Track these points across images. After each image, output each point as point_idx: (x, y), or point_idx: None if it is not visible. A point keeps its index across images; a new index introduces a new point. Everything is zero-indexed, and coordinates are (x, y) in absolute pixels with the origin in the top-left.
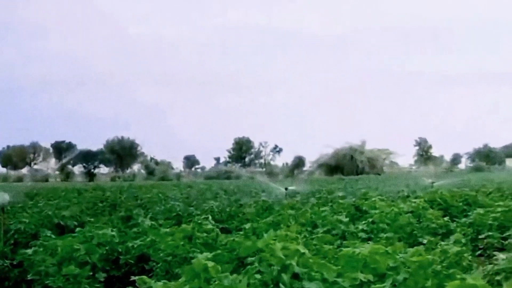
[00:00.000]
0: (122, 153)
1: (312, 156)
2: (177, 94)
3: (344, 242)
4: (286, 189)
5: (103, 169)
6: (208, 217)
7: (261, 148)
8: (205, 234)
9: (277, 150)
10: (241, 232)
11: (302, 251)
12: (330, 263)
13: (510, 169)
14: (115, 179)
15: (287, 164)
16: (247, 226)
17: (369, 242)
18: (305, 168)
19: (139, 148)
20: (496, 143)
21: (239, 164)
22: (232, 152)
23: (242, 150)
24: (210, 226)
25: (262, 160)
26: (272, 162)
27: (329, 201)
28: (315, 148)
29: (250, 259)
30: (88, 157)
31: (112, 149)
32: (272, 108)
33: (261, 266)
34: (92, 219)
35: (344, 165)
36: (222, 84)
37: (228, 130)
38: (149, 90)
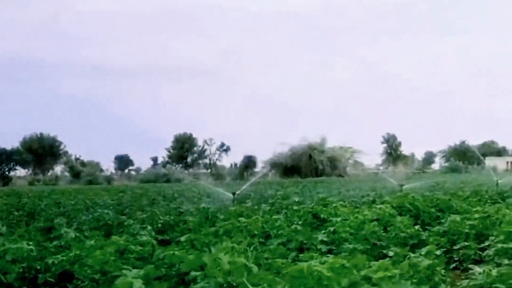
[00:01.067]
0: (41, 152)
1: (264, 155)
2: (108, 85)
3: (300, 255)
4: (234, 194)
5: (20, 172)
6: (145, 227)
7: (206, 147)
8: (139, 248)
9: (224, 148)
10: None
11: (251, 266)
12: (282, 280)
13: (490, 170)
14: (34, 183)
15: (235, 164)
16: (183, 238)
17: (329, 255)
18: (256, 169)
19: (62, 146)
20: (474, 140)
21: (180, 165)
22: (171, 151)
23: (183, 149)
24: (145, 238)
25: (207, 160)
26: (218, 163)
27: (284, 207)
28: (268, 146)
29: (192, 275)
30: (1, 158)
31: (29, 147)
32: (218, 101)
33: (205, 283)
34: (5, 231)
35: (302, 165)
36: (161, 75)
37: (167, 126)
38: (74, 81)
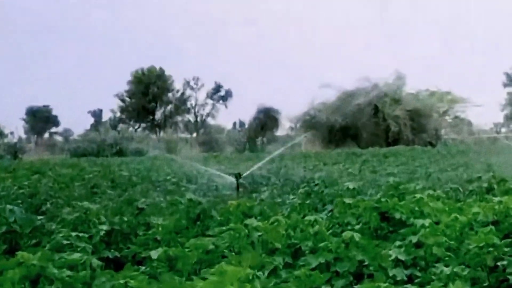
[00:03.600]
0: None
1: (293, 108)
2: None
3: (357, 287)
4: (238, 176)
5: None
6: (78, 236)
7: (189, 92)
8: (67, 273)
9: (221, 94)
10: (143, 267)
11: None
12: None
13: None
14: None
15: (242, 124)
16: (154, 253)
17: (409, 286)
18: (279, 132)
19: None
20: None
21: (143, 125)
22: (127, 100)
23: (148, 96)
24: (77, 256)
25: (190, 116)
26: (211, 121)
27: (328, 200)
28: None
29: None
30: None
31: None
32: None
33: None
34: None
35: (361, 126)
36: None
37: (121, 55)
38: None
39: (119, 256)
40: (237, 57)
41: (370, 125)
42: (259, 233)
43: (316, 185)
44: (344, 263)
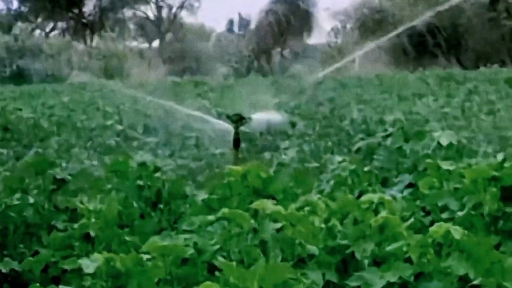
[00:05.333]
0: None
1: None
2: None
3: None
4: (237, 121)
5: None
6: None
7: None
8: None
9: None
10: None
11: None
12: None
13: None
14: None
15: (243, 25)
16: (88, 265)
17: None
18: (312, 40)
19: None
20: None
21: (62, 25)
22: None
23: None
24: None
25: (148, 10)
26: (187, 18)
27: (405, 166)
28: None
29: None
30: None
31: None
32: None
33: None
34: None
35: (466, 27)
36: None
37: None
38: None
39: (18, 270)
40: None
41: (481, 26)
42: (278, 226)
43: (385, 136)
44: (436, 284)
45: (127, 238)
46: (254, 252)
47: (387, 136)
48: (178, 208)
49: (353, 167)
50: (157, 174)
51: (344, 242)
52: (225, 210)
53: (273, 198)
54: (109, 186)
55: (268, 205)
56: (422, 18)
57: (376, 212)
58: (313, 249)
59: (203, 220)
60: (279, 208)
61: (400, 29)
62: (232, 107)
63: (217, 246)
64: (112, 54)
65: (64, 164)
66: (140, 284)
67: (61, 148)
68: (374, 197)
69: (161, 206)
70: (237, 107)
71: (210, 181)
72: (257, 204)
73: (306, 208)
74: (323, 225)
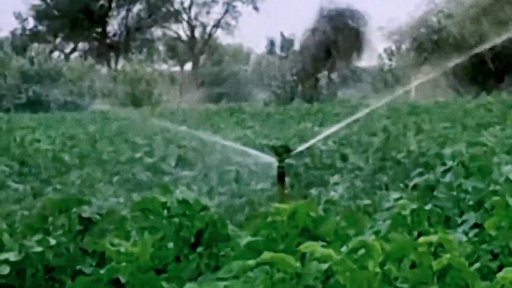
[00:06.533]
0: None
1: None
2: None
3: None
4: (282, 153)
5: None
6: None
7: None
8: None
9: None
10: None
11: None
12: None
13: None
14: None
15: (285, 46)
16: None
17: None
18: (364, 63)
19: None
20: None
21: (84, 46)
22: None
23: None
24: None
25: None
26: (224, 39)
27: (470, 203)
28: None
29: None
30: None
31: None
32: None
33: None
34: None
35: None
36: None
37: None
38: None
39: None
40: None
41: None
42: (326, 272)
43: (446, 170)
44: None
45: (163, 284)
46: None
47: (446, 170)
48: (219, 251)
49: (413, 205)
50: (203, 213)
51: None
52: (267, 254)
53: (323, 240)
54: (141, 225)
55: (317, 248)
56: (489, 37)
57: (435, 255)
58: None
59: (243, 265)
60: (329, 251)
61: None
62: (274, 137)
63: None
64: (139, 78)
65: (94, 201)
66: None
67: (84, 183)
68: (433, 237)
69: (201, 249)
70: (281, 138)
71: (253, 221)
72: (304, 246)
73: (360, 251)
74: (378, 270)
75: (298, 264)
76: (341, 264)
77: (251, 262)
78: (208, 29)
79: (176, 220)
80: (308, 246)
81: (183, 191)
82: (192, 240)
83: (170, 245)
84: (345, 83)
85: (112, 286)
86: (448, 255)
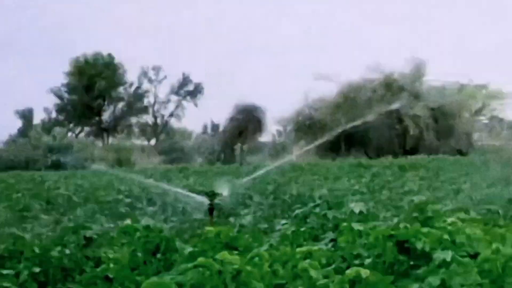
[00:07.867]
0: None
1: (282, 105)
2: None
3: None
4: (211, 196)
5: None
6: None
7: (146, 85)
8: None
9: (189, 89)
10: None
11: None
12: None
13: None
14: None
15: (215, 127)
16: None
17: None
18: (263, 138)
19: None
20: None
21: (88, 129)
22: (66, 96)
23: (92, 91)
24: None
25: (147, 117)
26: (175, 123)
27: (330, 226)
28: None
29: None
30: None
31: None
32: None
33: None
34: None
35: (370, 128)
36: None
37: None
38: None
39: None
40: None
41: (381, 127)
42: (234, 268)
43: (314, 206)
44: None
45: (137, 277)
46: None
47: (316, 206)
48: (171, 257)
49: (293, 228)
50: (160, 234)
51: (282, 281)
52: (201, 259)
53: (237, 250)
54: (121, 241)
55: (227, 256)
56: (341, 120)
57: (306, 259)
58: (260, 286)
59: (186, 267)
60: (236, 257)
61: (324, 129)
62: (206, 186)
63: (193, 283)
64: (122, 149)
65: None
66: None
67: (87, 214)
68: (304, 249)
69: (159, 255)
70: (210, 186)
71: (193, 238)
72: (219, 255)
73: (261, 261)
74: (268, 269)
75: (219, 266)
76: (245, 265)
77: (191, 264)
78: (165, 117)
79: (143, 238)
80: (223, 254)
81: (147, 220)
82: (154, 250)
83: (140, 254)
84: (252, 152)
85: (104, 280)
86: (308, 261)
